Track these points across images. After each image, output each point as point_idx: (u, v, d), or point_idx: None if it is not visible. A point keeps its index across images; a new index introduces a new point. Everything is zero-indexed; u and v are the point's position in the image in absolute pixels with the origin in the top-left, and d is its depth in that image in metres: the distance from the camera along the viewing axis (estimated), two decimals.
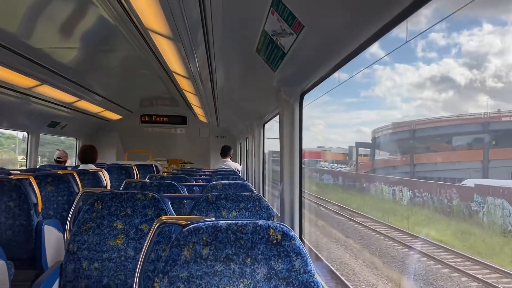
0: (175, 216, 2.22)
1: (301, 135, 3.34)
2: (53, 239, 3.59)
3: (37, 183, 3.66)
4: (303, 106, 3.35)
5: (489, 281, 10.37)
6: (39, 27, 3.68)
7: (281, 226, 1.49)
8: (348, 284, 10.60)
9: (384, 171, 27.08)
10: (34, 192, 3.51)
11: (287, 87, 3.24)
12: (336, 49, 2.28)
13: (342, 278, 11.00)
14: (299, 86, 3.17)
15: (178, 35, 3.23)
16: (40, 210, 3.55)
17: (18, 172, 4.64)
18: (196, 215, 2.48)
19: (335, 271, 11.63)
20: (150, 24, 3.27)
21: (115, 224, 2.30)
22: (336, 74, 2.71)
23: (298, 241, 1.48)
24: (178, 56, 3.99)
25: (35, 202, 3.48)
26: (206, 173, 6.18)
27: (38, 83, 5.25)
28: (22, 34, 3.73)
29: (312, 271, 1.46)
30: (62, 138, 11.02)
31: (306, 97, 3.33)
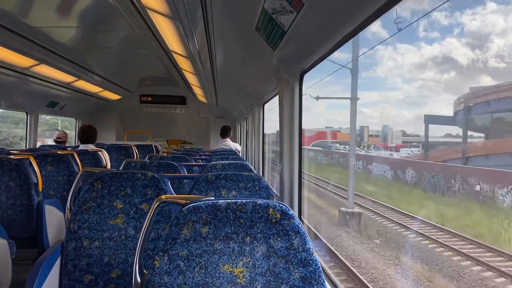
0: (175, 195, 2.23)
1: (301, 115, 3.33)
2: (54, 219, 3.62)
3: (37, 163, 3.66)
4: (303, 86, 3.34)
5: None
6: (36, 6, 3.63)
7: (280, 205, 1.50)
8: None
9: (486, 161, 16.08)
10: (34, 172, 3.52)
11: (287, 66, 3.22)
12: (337, 27, 2.25)
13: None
14: (299, 65, 3.14)
15: (177, 14, 3.19)
16: (40, 189, 3.57)
17: (18, 152, 4.65)
18: (196, 195, 2.49)
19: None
20: (148, 2, 3.23)
21: (115, 204, 2.31)
22: (336, 54, 2.68)
23: (297, 220, 1.49)
24: (177, 35, 3.95)
25: (36, 182, 3.49)
26: (206, 153, 6.19)
27: (36, 62, 5.21)
28: (20, 13, 3.68)
29: (311, 249, 1.47)
30: (44, 117, 10.89)
31: (307, 78, 3.31)
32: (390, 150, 27.89)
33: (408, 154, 25.74)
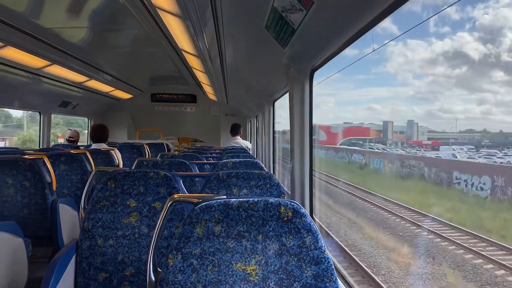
0: (187, 194, 2.25)
1: (311, 112, 3.33)
2: (68, 217, 3.67)
3: (51, 163, 3.71)
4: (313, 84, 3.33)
5: None
6: (48, 7, 3.67)
7: (292, 203, 1.50)
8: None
9: None
10: (48, 171, 3.57)
11: (297, 64, 3.21)
12: (347, 25, 2.24)
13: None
14: (309, 63, 3.13)
15: (187, 13, 3.20)
16: (54, 189, 3.62)
17: (32, 151, 4.71)
18: (208, 193, 2.51)
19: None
20: (158, 2, 3.24)
21: (128, 202, 2.33)
22: (346, 50, 2.67)
23: (308, 218, 1.49)
24: (187, 34, 3.96)
25: (49, 181, 3.54)
26: (217, 151, 6.21)
27: (49, 63, 5.27)
28: (31, 14, 3.72)
29: (323, 247, 1.47)
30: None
31: (317, 74, 3.31)
32: (428, 149, 22.76)
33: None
